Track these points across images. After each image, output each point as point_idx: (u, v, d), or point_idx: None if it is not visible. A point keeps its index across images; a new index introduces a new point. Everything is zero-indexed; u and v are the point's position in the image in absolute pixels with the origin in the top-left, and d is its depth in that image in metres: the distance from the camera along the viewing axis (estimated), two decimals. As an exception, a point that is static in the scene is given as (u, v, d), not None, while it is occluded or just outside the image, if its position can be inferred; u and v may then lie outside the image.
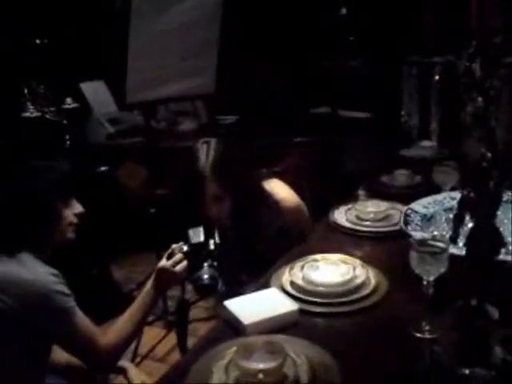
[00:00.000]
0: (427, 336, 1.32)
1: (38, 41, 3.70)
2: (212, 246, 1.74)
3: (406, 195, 2.04)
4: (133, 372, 1.75)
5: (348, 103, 4.01)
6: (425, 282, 1.33)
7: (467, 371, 1.16)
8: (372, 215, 1.96)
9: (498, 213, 1.25)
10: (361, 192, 2.25)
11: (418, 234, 1.50)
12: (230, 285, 1.90)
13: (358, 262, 1.61)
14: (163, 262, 1.72)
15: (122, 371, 1.75)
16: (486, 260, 1.20)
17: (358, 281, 1.53)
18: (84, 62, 3.88)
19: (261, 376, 1.13)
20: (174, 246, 1.75)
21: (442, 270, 1.31)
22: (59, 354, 1.73)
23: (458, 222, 1.46)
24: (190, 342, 1.83)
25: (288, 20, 4.06)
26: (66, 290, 1.58)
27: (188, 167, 2.00)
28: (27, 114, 3.44)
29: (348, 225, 1.96)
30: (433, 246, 1.34)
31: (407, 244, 1.38)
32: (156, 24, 3.00)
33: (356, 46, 4.08)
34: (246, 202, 1.99)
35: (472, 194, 1.25)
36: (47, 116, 3.46)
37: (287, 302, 1.47)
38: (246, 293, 1.56)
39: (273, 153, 3.03)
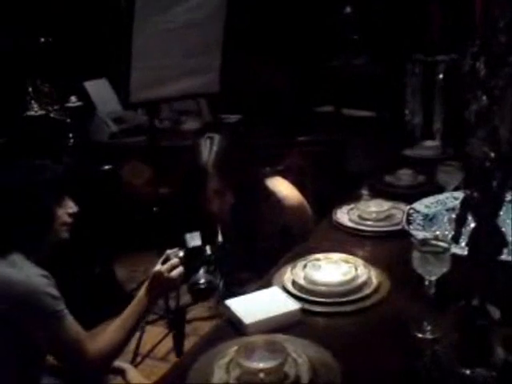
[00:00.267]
0: (429, 336, 1.32)
1: (42, 39, 3.70)
2: (209, 252, 1.72)
3: (409, 195, 2.03)
4: (132, 373, 1.72)
5: (352, 102, 4.00)
6: (426, 282, 1.33)
7: (468, 371, 1.15)
8: (374, 215, 1.96)
9: (501, 213, 1.24)
10: (364, 191, 2.25)
11: (420, 234, 1.50)
12: (230, 284, 1.90)
13: (359, 261, 1.61)
14: (158, 267, 1.68)
15: (121, 372, 1.72)
16: (488, 260, 1.20)
17: (360, 280, 1.53)
18: (88, 61, 3.88)
19: (262, 375, 1.13)
20: (168, 251, 1.71)
21: (444, 269, 1.31)
22: None
23: (460, 221, 1.45)
24: (191, 341, 1.83)
25: (292, 18, 4.05)
26: (56, 293, 1.55)
27: (191, 165, 2.00)
28: (31, 113, 3.45)
29: (350, 224, 1.96)
30: (435, 245, 1.34)
31: (409, 244, 1.38)
32: (160, 23, 2.99)
33: (360, 45, 4.07)
34: (247, 198, 1.99)
35: (475, 194, 1.24)
36: (51, 114, 3.47)
37: (289, 302, 1.47)
38: (248, 292, 1.56)
39: (276, 151, 3.02)
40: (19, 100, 3.47)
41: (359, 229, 1.92)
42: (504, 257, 1.26)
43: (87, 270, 3.16)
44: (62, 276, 1.61)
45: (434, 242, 1.35)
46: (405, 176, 2.34)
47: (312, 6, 4.06)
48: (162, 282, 1.67)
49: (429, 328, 1.33)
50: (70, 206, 1.71)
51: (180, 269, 1.66)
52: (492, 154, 1.20)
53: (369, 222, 1.94)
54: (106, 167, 3.46)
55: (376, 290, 1.51)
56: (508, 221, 1.49)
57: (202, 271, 1.66)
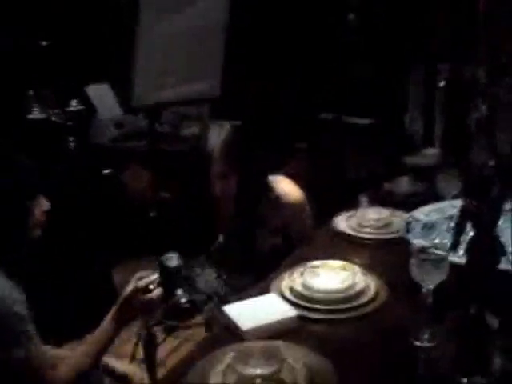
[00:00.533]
0: (426, 344, 1.32)
1: (43, 43, 3.71)
2: (186, 273, 1.63)
3: (408, 203, 2.03)
4: (138, 377, 1.67)
5: (352, 109, 4.00)
6: (424, 290, 1.33)
7: (466, 380, 1.15)
8: (373, 222, 1.96)
9: (500, 222, 1.24)
10: (363, 199, 2.25)
11: (418, 242, 1.50)
12: (228, 289, 1.89)
13: (357, 268, 1.61)
14: (131, 288, 1.53)
15: (124, 379, 1.68)
16: (486, 269, 1.20)
17: (358, 288, 1.52)
18: (90, 65, 3.89)
19: (258, 382, 1.13)
20: (140, 273, 1.57)
21: (442, 278, 1.31)
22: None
23: (458, 230, 1.45)
24: (188, 347, 1.82)
25: (294, 25, 4.06)
26: (25, 311, 1.45)
27: (194, 151, 2.02)
28: (32, 116, 3.45)
29: (349, 231, 1.96)
30: (433, 254, 1.33)
31: (408, 251, 1.38)
32: (163, 28, 3.01)
33: (362, 52, 4.08)
34: (251, 187, 2.00)
35: (474, 203, 1.24)
36: (52, 118, 3.47)
37: (286, 308, 1.47)
38: (245, 298, 1.56)
39: (275, 158, 3.02)
40: (20, 103, 3.48)
41: (358, 236, 1.92)
42: (502, 266, 1.26)
43: (85, 274, 3.15)
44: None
45: (432, 250, 1.35)
46: (404, 184, 2.34)
47: (315, 14, 4.07)
48: (135, 305, 1.54)
49: (426, 336, 1.32)
50: (43, 204, 1.64)
51: (158, 290, 1.54)
52: (491, 163, 1.20)
53: (367, 230, 1.94)
54: (107, 171, 3.46)
55: (374, 298, 1.51)
56: (507, 230, 1.48)
57: (180, 292, 1.60)
